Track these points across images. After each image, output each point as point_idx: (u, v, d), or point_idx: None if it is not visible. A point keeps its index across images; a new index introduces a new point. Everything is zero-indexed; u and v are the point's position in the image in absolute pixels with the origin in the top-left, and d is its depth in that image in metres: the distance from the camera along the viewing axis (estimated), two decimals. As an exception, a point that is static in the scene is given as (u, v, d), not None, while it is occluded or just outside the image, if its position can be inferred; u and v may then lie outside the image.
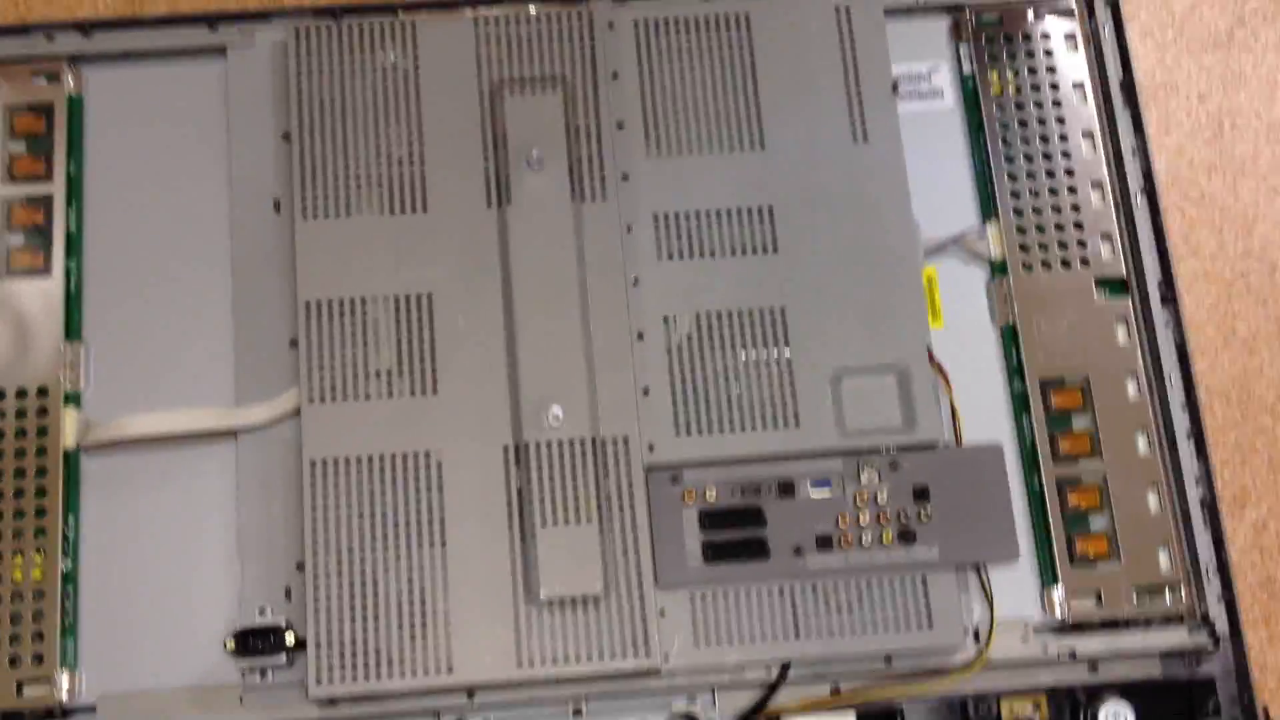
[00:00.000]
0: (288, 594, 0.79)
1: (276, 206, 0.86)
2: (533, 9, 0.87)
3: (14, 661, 0.78)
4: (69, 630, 0.79)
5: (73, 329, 0.84)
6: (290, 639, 0.77)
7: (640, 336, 0.82)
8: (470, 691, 0.77)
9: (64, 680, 0.78)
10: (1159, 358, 0.84)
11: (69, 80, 0.88)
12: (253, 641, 0.77)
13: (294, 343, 0.82)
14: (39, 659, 0.78)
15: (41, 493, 0.81)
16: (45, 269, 0.85)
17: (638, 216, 0.84)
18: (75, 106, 0.89)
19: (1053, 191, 0.87)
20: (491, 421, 0.80)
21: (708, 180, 0.85)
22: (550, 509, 0.78)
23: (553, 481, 0.79)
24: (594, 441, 0.79)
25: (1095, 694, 0.78)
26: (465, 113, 0.86)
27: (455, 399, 0.80)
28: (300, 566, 0.78)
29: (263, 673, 0.78)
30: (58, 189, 0.87)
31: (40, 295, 0.84)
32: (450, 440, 0.79)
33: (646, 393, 0.81)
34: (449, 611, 0.76)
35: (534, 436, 0.79)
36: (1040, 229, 0.87)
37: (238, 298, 0.84)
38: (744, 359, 0.82)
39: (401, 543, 0.78)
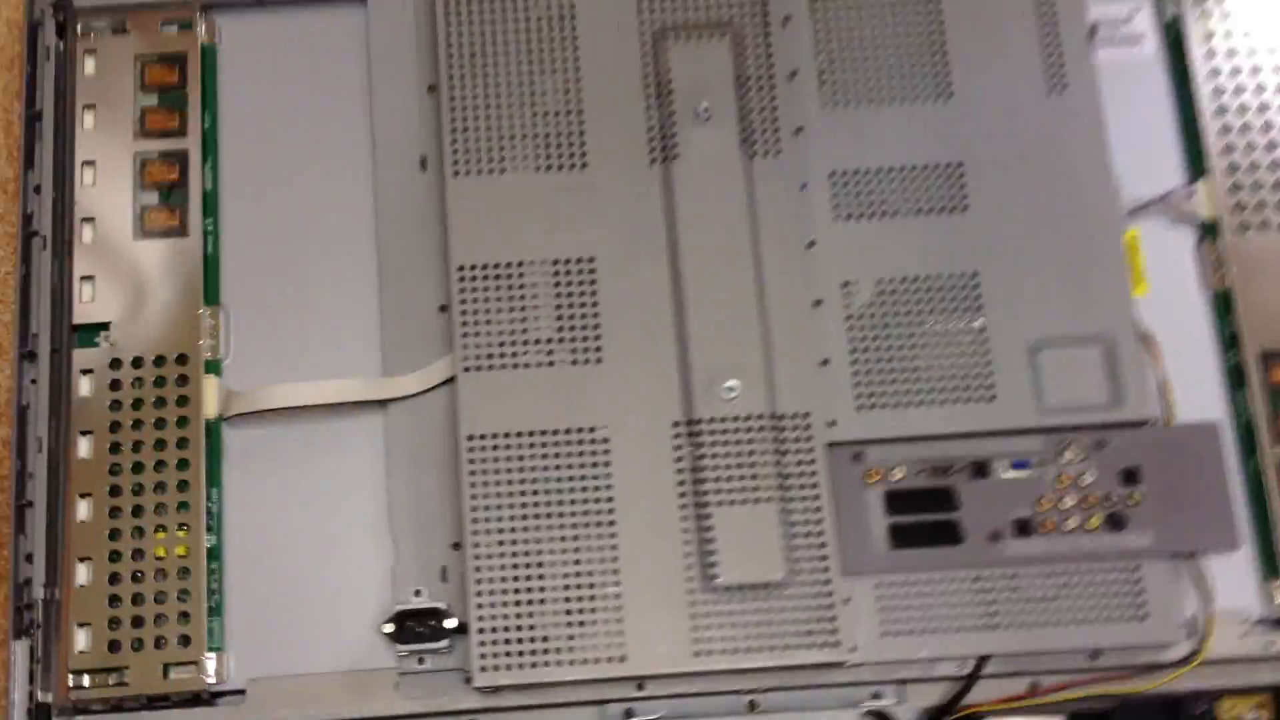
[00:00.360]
0: (443, 575, 0.74)
1: (423, 163, 0.81)
2: (698, -52, 0.81)
3: (159, 643, 0.74)
4: (215, 610, 0.75)
5: (211, 293, 0.80)
6: (450, 623, 0.73)
7: (818, 303, 0.76)
8: (640, 683, 0.73)
9: (211, 663, 0.74)
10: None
11: (202, 28, 0.84)
12: (412, 625, 0.73)
13: (444, 308, 0.78)
14: (185, 640, 0.74)
15: (183, 465, 0.76)
16: (181, 230, 0.81)
17: (813, 173, 0.78)
18: (209, 56, 0.84)
19: (1273, 145, 0.80)
20: (660, 394, 0.75)
21: (889, 134, 0.79)
22: (725, 489, 0.73)
23: (728, 459, 0.73)
24: (771, 416, 0.74)
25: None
26: (626, 61, 0.80)
27: (621, 369, 0.75)
28: (456, 546, 0.74)
29: (420, 658, 0.73)
30: (193, 144, 0.82)
31: (177, 257, 0.80)
32: (617, 413, 0.74)
33: (826, 364, 0.75)
34: (619, 597, 0.72)
35: (707, 411, 0.74)
36: (1257, 186, 0.79)
37: (383, 260, 0.80)
38: (932, 328, 0.76)
39: (567, 523, 0.73)
